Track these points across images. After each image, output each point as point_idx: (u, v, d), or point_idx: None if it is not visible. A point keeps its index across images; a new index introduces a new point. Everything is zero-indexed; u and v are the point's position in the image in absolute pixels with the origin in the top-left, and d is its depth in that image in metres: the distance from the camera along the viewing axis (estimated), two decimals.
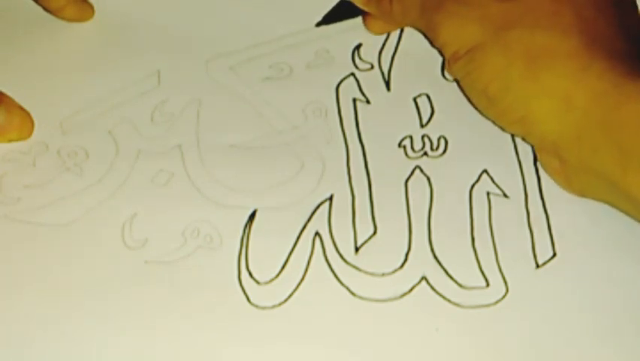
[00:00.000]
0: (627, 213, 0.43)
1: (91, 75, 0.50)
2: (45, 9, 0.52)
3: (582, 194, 0.44)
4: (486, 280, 0.43)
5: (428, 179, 0.46)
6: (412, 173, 0.46)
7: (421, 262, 0.43)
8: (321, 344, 0.41)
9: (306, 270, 0.43)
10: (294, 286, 0.43)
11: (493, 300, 0.42)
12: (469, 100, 0.47)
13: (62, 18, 0.52)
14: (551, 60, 0.41)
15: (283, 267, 0.43)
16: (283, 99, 0.49)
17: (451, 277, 0.43)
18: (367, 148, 0.47)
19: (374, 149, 0.47)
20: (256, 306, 0.42)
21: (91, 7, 0.53)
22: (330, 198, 0.45)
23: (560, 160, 0.43)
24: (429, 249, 0.44)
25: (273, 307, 0.42)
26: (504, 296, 0.42)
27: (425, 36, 0.48)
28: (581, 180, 0.43)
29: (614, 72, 0.40)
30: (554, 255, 0.43)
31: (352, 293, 0.42)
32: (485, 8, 0.44)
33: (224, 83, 0.50)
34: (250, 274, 0.43)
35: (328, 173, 0.47)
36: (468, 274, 0.43)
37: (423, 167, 0.46)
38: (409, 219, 0.45)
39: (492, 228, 0.44)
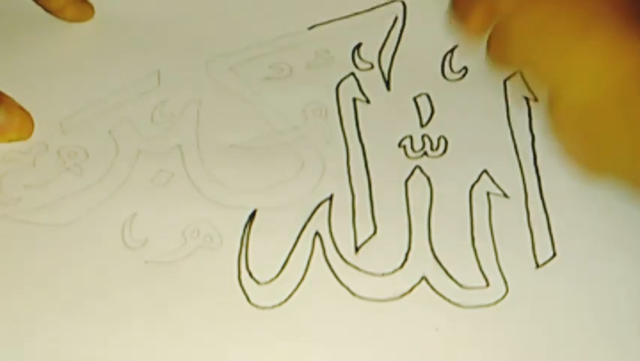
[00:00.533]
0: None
1: (91, 75, 0.50)
2: (45, 9, 0.52)
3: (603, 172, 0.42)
4: (486, 280, 0.42)
5: (428, 179, 0.46)
6: (412, 173, 0.46)
7: (421, 262, 0.43)
8: (321, 344, 0.41)
9: (306, 270, 0.43)
10: (294, 286, 0.43)
11: (493, 300, 0.42)
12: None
13: (62, 18, 0.52)
14: (597, 18, 0.39)
15: (283, 267, 0.43)
16: (283, 99, 0.49)
17: (451, 277, 0.43)
18: (367, 148, 0.47)
19: (374, 149, 0.47)
20: (256, 306, 0.42)
21: (91, 7, 0.53)
22: (330, 198, 0.45)
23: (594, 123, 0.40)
24: (429, 249, 0.44)
25: (273, 307, 0.42)
26: (504, 296, 0.42)
27: None
28: (614, 148, 0.40)
29: None
30: (554, 255, 0.43)
31: (352, 293, 0.42)
32: None
33: (224, 83, 0.50)
34: (250, 274, 0.43)
35: (328, 173, 0.47)
36: (468, 274, 0.43)
37: (423, 167, 0.46)
38: (409, 219, 0.45)
39: (492, 228, 0.44)
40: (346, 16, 0.53)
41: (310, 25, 0.52)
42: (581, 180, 0.45)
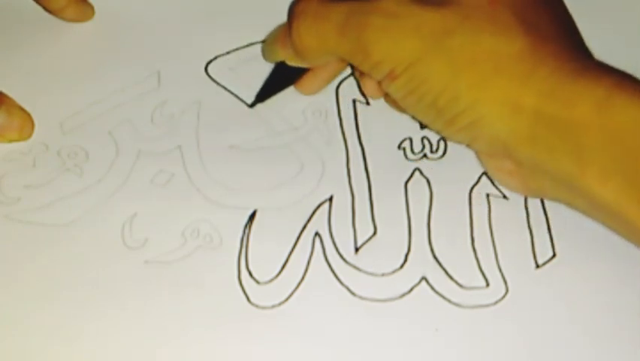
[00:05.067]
0: (584, 213, 0.42)
1: (91, 76, 0.50)
2: (46, 9, 0.52)
3: (539, 194, 0.44)
4: (486, 280, 0.43)
5: (428, 181, 0.46)
6: (412, 175, 0.46)
7: (420, 262, 0.43)
8: (321, 343, 0.41)
9: (306, 270, 0.43)
10: (294, 286, 0.43)
11: (493, 300, 0.42)
12: (408, 113, 0.45)
13: (63, 18, 0.52)
14: (498, 64, 0.40)
15: (283, 267, 0.43)
16: (283, 100, 0.49)
17: (451, 278, 0.43)
18: (367, 150, 0.47)
19: (374, 150, 0.47)
20: (256, 306, 0.42)
21: (91, 7, 0.53)
22: (330, 199, 0.45)
23: (513, 162, 0.42)
24: (429, 249, 0.44)
25: (273, 307, 0.42)
26: (504, 296, 0.42)
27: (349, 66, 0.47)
28: (536, 181, 0.42)
29: (562, 71, 0.39)
30: (554, 255, 0.43)
31: (352, 293, 0.42)
32: (418, 18, 0.41)
33: (223, 84, 0.50)
34: (250, 274, 0.43)
35: (328, 174, 0.47)
36: (468, 274, 0.43)
37: (422, 169, 0.46)
38: (409, 220, 0.45)
39: (492, 228, 0.44)
40: None
41: None
42: None
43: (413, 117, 0.46)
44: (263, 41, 0.50)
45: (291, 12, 0.44)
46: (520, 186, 0.44)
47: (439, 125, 0.43)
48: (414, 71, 0.41)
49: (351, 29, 0.42)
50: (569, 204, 0.43)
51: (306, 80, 0.48)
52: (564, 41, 0.41)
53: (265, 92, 0.49)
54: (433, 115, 0.42)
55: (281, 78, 0.49)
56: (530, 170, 0.42)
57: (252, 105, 0.49)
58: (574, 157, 0.39)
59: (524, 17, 0.41)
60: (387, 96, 0.47)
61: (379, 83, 0.43)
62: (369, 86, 0.47)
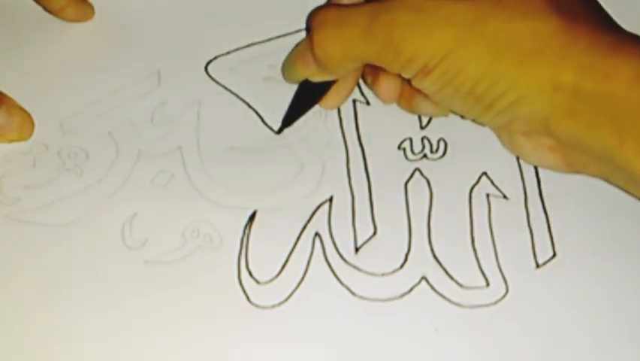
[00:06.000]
0: (623, 188, 0.42)
1: (91, 76, 0.50)
2: (45, 9, 0.52)
3: (580, 170, 0.44)
4: (486, 280, 0.43)
5: (428, 181, 0.46)
6: (412, 175, 0.46)
7: (421, 262, 0.43)
8: (321, 343, 0.41)
9: (306, 270, 0.43)
10: (294, 286, 0.43)
11: (493, 300, 0.42)
12: (445, 106, 0.45)
13: (63, 18, 0.52)
14: (535, 44, 0.40)
15: (283, 267, 0.43)
16: (283, 100, 0.49)
17: (451, 277, 0.43)
18: (367, 150, 0.47)
19: (374, 151, 0.47)
20: (256, 306, 0.42)
21: (91, 7, 0.53)
22: (330, 200, 0.45)
23: (554, 139, 0.42)
24: (429, 249, 0.44)
25: (273, 307, 0.42)
26: (504, 296, 0.42)
27: (372, 70, 0.46)
28: (577, 156, 0.42)
29: (598, 46, 0.39)
30: (554, 255, 0.43)
31: (352, 293, 0.42)
32: (447, 9, 0.41)
33: (224, 84, 0.50)
34: (250, 274, 0.43)
35: (328, 174, 0.47)
36: (468, 274, 0.43)
37: (422, 169, 0.46)
38: (409, 220, 0.45)
39: (492, 228, 0.44)
40: None
41: None
42: (581, 180, 0.45)
43: (451, 111, 0.46)
44: (283, 63, 0.49)
45: (310, 25, 0.44)
46: (560, 162, 0.44)
47: (476, 111, 0.43)
48: (448, 62, 0.41)
49: (378, 30, 0.41)
50: (609, 179, 0.43)
51: (332, 94, 0.48)
52: (595, 17, 0.41)
53: (291, 116, 0.48)
54: (470, 103, 0.42)
55: (306, 98, 0.48)
56: (570, 146, 0.42)
57: (279, 132, 0.48)
58: (612, 130, 0.39)
59: None
60: (403, 99, 0.47)
61: (410, 80, 0.43)
62: (386, 89, 0.47)
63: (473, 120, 0.45)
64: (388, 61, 0.42)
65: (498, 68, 0.40)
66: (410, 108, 0.47)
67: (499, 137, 0.46)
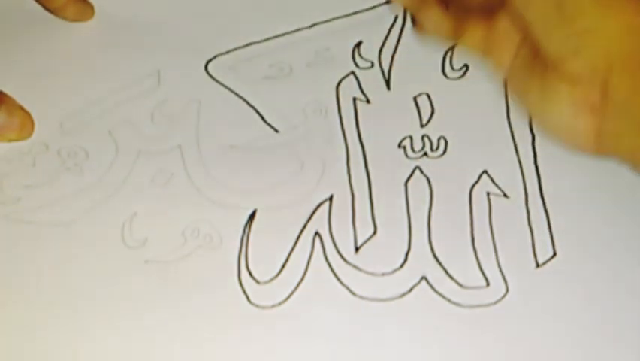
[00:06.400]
0: None
1: (91, 75, 0.50)
2: (45, 8, 0.52)
3: (611, 141, 0.40)
4: (486, 279, 0.42)
5: (428, 180, 0.46)
6: (412, 174, 0.46)
7: (421, 262, 0.43)
8: (321, 343, 0.41)
9: (306, 270, 0.43)
10: (294, 286, 0.43)
11: (493, 300, 0.42)
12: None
13: (63, 17, 0.52)
14: None
15: (283, 267, 0.43)
16: (283, 99, 0.49)
17: (451, 277, 0.43)
18: (367, 148, 0.47)
19: (374, 149, 0.47)
20: (256, 306, 0.42)
21: (91, 7, 0.53)
22: (330, 198, 0.45)
23: (603, 94, 0.40)
24: (429, 249, 0.44)
25: (273, 306, 0.42)
26: (504, 296, 0.42)
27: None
28: (617, 122, 0.40)
29: None
30: (554, 255, 0.43)
31: (352, 293, 0.42)
32: None
33: (224, 83, 0.50)
34: (250, 274, 0.43)
35: (328, 173, 0.47)
36: (468, 273, 0.43)
37: (423, 168, 0.46)
38: (409, 220, 0.45)
39: (492, 228, 0.44)
40: (346, 15, 0.53)
41: (311, 23, 0.52)
42: (582, 179, 0.45)
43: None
44: None
45: None
46: (593, 130, 0.40)
47: (554, 21, 0.40)
48: None
49: None
50: (637, 164, 0.40)
51: None
52: None
53: None
54: (552, 8, 0.40)
55: None
56: (617, 106, 0.39)
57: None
58: None
59: None
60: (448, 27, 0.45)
61: None
62: (433, 17, 0.44)
63: (543, 34, 0.43)
64: None
65: None
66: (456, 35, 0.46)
67: (532, 98, 0.44)
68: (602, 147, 0.41)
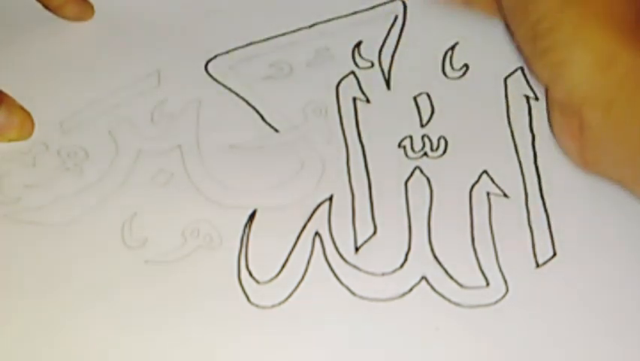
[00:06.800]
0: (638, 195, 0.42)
1: (91, 75, 0.50)
2: (45, 6, 0.52)
3: (593, 167, 0.43)
4: (486, 279, 0.42)
5: (428, 180, 0.46)
6: (412, 174, 0.46)
7: (421, 261, 0.43)
8: (321, 343, 0.41)
9: (306, 270, 0.43)
10: (294, 286, 0.43)
11: (493, 300, 0.42)
12: (506, 26, 0.45)
13: (62, 16, 0.52)
14: (607, 14, 0.39)
15: (283, 267, 0.43)
16: (283, 98, 0.49)
17: (451, 277, 0.43)
18: (367, 148, 0.47)
19: (374, 149, 0.47)
20: (256, 306, 0.42)
21: (91, 6, 0.53)
22: (330, 198, 0.45)
23: (580, 123, 0.42)
24: (429, 249, 0.44)
25: (273, 306, 0.42)
26: (504, 296, 0.42)
27: None
28: (596, 151, 0.42)
29: None
30: (554, 255, 0.43)
31: (352, 293, 0.42)
32: None
33: (224, 83, 0.50)
34: (250, 274, 0.43)
35: (328, 173, 0.46)
36: (468, 273, 0.43)
37: (423, 168, 0.46)
38: (409, 219, 0.45)
39: (492, 228, 0.44)
40: (347, 15, 0.53)
41: (311, 23, 0.52)
42: (582, 179, 0.45)
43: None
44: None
45: None
46: (578, 154, 0.43)
47: (531, 49, 0.42)
48: None
49: None
50: (624, 184, 0.42)
51: None
52: None
53: None
54: (530, 37, 0.42)
55: None
56: (594, 139, 0.41)
57: None
58: None
59: None
60: None
61: None
62: None
63: (525, 59, 0.44)
64: None
65: (564, 14, 0.40)
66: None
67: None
68: (588, 169, 0.42)
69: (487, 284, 0.42)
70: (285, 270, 0.43)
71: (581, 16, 0.40)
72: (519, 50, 0.45)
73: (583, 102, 0.40)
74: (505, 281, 0.42)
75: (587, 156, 0.43)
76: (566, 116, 0.43)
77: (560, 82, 0.42)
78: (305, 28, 0.52)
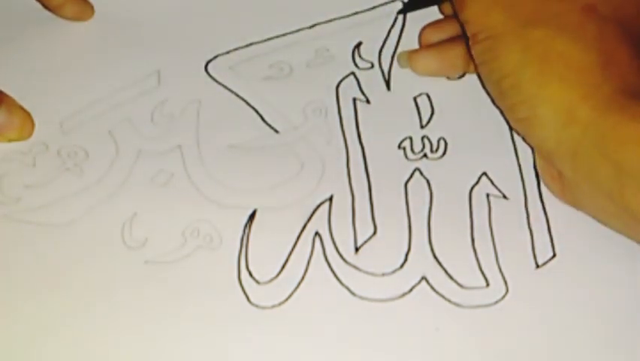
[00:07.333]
0: (623, 233, 0.42)
1: (91, 75, 0.50)
2: (44, 6, 0.52)
3: (574, 205, 0.44)
4: (486, 280, 0.42)
5: (428, 181, 0.46)
6: (412, 175, 0.46)
7: (421, 262, 0.43)
8: (321, 344, 0.41)
9: (306, 270, 0.43)
10: (294, 286, 0.43)
11: (493, 300, 0.42)
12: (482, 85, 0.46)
13: (62, 16, 0.52)
14: (565, 70, 0.41)
15: (283, 267, 0.43)
16: (283, 99, 0.49)
17: (451, 277, 0.43)
18: (367, 149, 0.47)
19: (374, 150, 0.47)
20: (256, 306, 0.42)
21: (91, 6, 0.53)
22: (330, 199, 0.45)
23: (557, 170, 0.43)
24: (429, 249, 0.44)
25: (273, 307, 0.42)
26: (504, 296, 0.42)
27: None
28: (574, 193, 0.43)
29: (623, 95, 0.40)
30: (554, 255, 0.43)
31: (352, 293, 0.42)
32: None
33: (224, 83, 0.50)
34: (250, 274, 0.43)
35: (328, 173, 0.47)
36: (468, 274, 0.43)
37: (422, 169, 0.46)
38: (409, 220, 0.45)
39: (492, 228, 0.44)
40: (347, 15, 0.53)
41: (311, 24, 0.52)
42: None
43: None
44: None
45: None
46: (560, 194, 0.44)
47: (502, 106, 0.44)
48: (491, 43, 0.42)
49: None
50: (605, 222, 0.43)
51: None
52: (632, 75, 0.41)
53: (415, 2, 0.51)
54: (496, 94, 0.44)
55: None
56: (569, 184, 0.43)
57: (400, 12, 0.51)
58: (614, 176, 0.39)
59: (606, 37, 0.41)
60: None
61: (469, 39, 0.45)
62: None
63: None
64: (456, 9, 0.45)
65: (523, 74, 0.41)
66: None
67: None
68: (571, 205, 0.43)
69: (487, 285, 0.42)
70: (285, 270, 0.43)
71: (541, 74, 0.41)
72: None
73: (551, 155, 0.42)
74: (505, 282, 0.42)
75: (566, 197, 0.44)
76: (545, 163, 0.44)
77: (528, 136, 0.44)
78: (305, 28, 0.52)
